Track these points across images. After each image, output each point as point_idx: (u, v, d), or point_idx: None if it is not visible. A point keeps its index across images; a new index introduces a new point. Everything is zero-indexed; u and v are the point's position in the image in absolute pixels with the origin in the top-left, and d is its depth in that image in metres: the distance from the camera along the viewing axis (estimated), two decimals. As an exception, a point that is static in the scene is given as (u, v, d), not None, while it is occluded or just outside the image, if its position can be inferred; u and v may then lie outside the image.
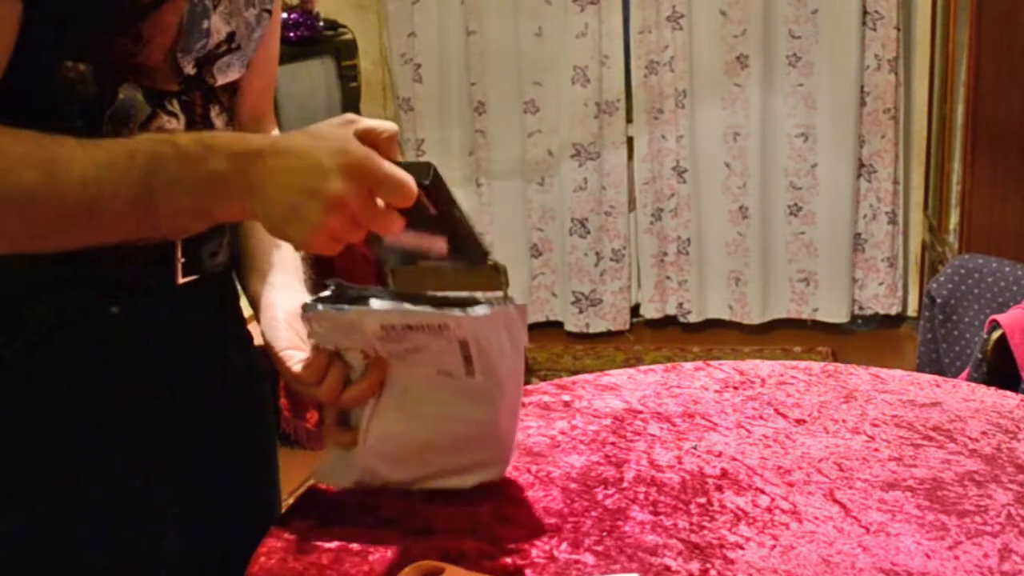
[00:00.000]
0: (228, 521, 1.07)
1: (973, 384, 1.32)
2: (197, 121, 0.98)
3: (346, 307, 0.91)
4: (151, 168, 0.82)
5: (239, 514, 1.09)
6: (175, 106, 0.95)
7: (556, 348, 4.15)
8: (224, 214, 0.88)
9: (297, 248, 0.90)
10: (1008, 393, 1.24)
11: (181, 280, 0.98)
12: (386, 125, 0.87)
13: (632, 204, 4.23)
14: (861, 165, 4.01)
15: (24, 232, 0.83)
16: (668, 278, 4.22)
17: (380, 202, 0.83)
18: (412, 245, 0.91)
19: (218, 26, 0.96)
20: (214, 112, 1.01)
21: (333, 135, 0.84)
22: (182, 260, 0.98)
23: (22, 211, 0.81)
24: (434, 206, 0.86)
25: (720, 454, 1.11)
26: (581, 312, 4.25)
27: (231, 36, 0.98)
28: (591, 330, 4.23)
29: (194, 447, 1.03)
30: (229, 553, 1.01)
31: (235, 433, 1.09)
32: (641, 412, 1.22)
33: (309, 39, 3.54)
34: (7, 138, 0.81)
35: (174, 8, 0.90)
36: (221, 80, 1.00)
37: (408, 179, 0.82)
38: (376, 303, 0.91)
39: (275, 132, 1.17)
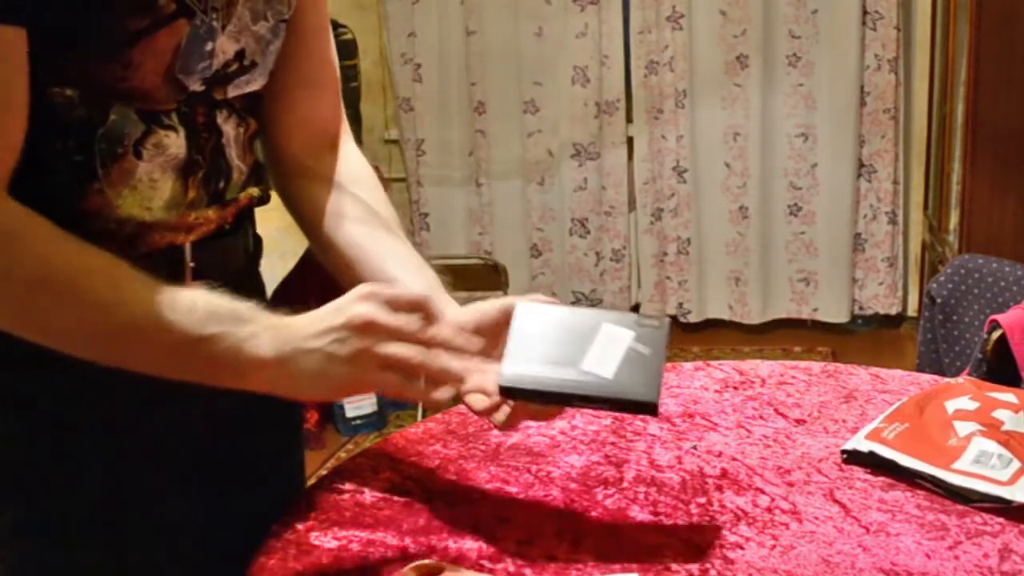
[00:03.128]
0: (251, 494, 1.07)
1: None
2: (200, 130, 0.96)
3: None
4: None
5: (264, 488, 1.09)
6: (173, 119, 0.93)
7: (556, 348, 4.15)
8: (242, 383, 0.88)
9: (342, 394, 0.90)
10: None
11: (190, 284, 0.97)
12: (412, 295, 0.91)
13: (632, 204, 4.23)
14: (861, 165, 4.01)
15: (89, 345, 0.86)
16: (668, 278, 4.22)
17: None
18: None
19: (225, 46, 0.94)
20: (220, 118, 0.99)
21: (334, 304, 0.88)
22: (191, 264, 0.98)
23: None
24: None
25: (720, 454, 1.10)
26: (581, 312, 4.25)
27: (240, 54, 0.96)
28: (591, 330, 4.22)
29: (210, 445, 1.03)
30: (253, 526, 1.01)
31: (256, 426, 1.07)
32: (641, 412, 1.22)
33: (309, 39, 3.53)
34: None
35: (171, 32, 0.89)
36: (235, 94, 0.99)
37: (421, 293, 0.89)
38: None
39: (350, 147, 1.15)
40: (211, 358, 0.85)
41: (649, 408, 0.90)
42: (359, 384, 0.88)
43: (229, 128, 1.00)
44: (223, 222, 1.02)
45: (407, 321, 0.87)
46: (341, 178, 1.10)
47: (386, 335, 0.85)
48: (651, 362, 0.90)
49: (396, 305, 0.87)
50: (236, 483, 1.07)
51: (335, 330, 0.85)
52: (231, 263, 1.04)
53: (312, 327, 0.86)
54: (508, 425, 0.95)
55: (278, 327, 0.87)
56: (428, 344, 0.87)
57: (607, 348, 0.91)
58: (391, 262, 1.05)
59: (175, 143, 0.94)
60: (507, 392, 0.91)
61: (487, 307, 0.99)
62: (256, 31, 0.97)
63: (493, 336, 0.97)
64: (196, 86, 0.93)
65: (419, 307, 0.88)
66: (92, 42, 0.86)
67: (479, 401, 0.93)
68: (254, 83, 1.00)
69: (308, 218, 1.10)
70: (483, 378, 0.94)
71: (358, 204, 1.09)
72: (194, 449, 1.02)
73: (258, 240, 1.12)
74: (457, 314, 1.00)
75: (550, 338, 0.93)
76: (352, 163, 1.13)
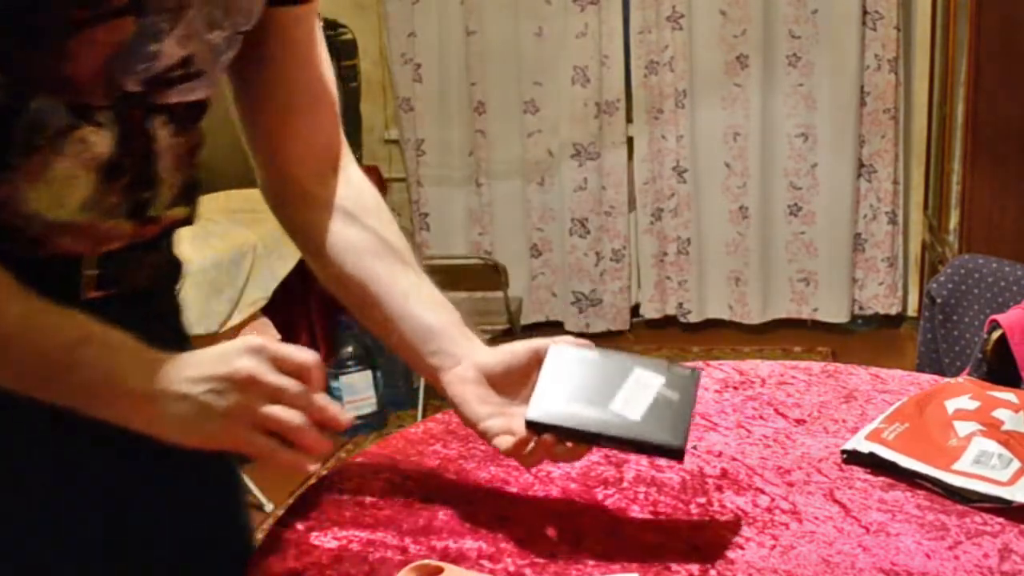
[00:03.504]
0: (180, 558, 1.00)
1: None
2: (132, 133, 0.90)
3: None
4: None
5: (195, 551, 1.02)
6: (105, 117, 0.87)
7: (556, 348, 4.15)
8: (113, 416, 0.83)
9: (209, 446, 0.84)
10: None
11: (91, 295, 0.91)
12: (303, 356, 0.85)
13: (632, 204, 4.23)
14: (861, 165, 4.01)
15: None
16: (668, 278, 4.22)
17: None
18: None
19: (170, 49, 0.88)
20: (157, 123, 0.92)
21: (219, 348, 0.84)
22: (95, 272, 0.92)
23: None
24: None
25: (720, 454, 1.10)
26: (581, 312, 4.25)
27: (186, 60, 0.90)
28: (591, 330, 4.23)
29: (119, 476, 0.95)
30: None
31: (174, 461, 0.92)
32: (641, 412, 1.22)
33: (309, 39, 3.53)
34: None
35: (113, 28, 0.84)
36: (177, 99, 0.93)
37: (309, 355, 0.84)
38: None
39: (352, 168, 1.10)
40: (81, 385, 0.81)
41: (675, 453, 0.90)
42: (228, 441, 0.83)
43: (164, 135, 0.93)
44: (139, 238, 0.95)
45: (292, 384, 0.82)
46: (350, 205, 1.06)
47: (267, 395, 0.81)
48: (680, 408, 0.92)
49: (284, 365, 0.83)
50: (157, 556, 0.99)
51: (215, 380, 0.81)
52: (138, 281, 0.97)
53: (191, 371, 0.82)
54: (531, 461, 0.94)
55: (154, 363, 0.82)
56: (308, 412, 0.83)
57: (637, 392, 0.92)
58: (413, 300, 1.02)
59: (102, 141, 0.87)
60: (533, 427, 0.92)
61: (517, 349, 0.98)
62: (209, 39, 0.91)
63: (522, 377, 0.97)
64: (134, 86, 0.88)
65: (306, 372, 0.84)
66: (30, 28, 0.81)
67: (504, 441, 0.93)
68: (198, 91, 0.94)
69: (317, 250, 1.06)
70: (510, 420, 0.94)
71: (372, 236, 1.05)
72: (102, 514, 0.94)
73: (176, 264, 1.05)
74: (486, 356, 0.99)
75: (580, 379, 0.94)
76: (359, 188, 1.09)
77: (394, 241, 1.06)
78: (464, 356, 1.00)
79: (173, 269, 1.05)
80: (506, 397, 0.98)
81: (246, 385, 0.81)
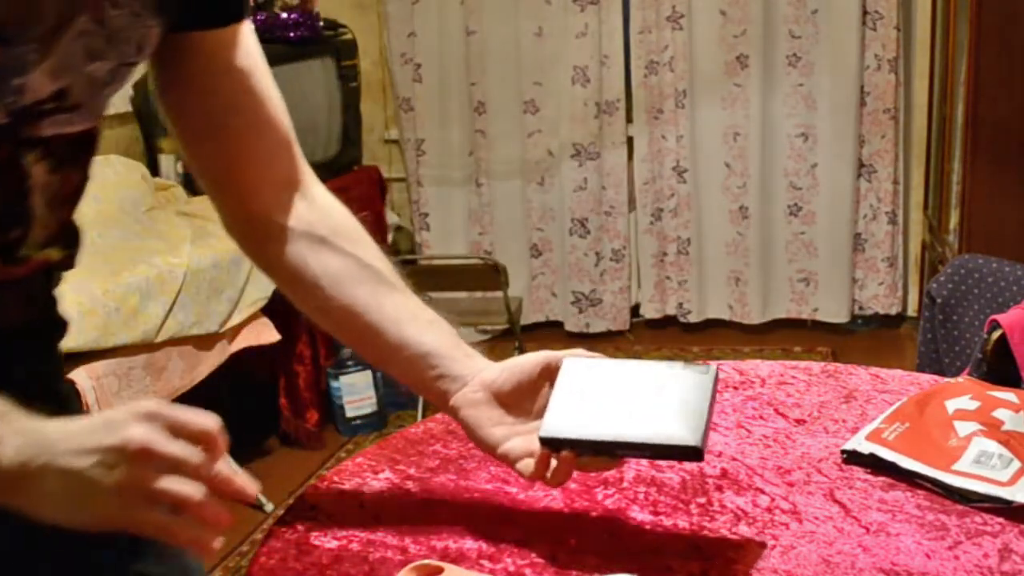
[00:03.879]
0: None
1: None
2: (4, 166, 0.83)
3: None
4: None
5: None
6: None
7: (556, 348, 4.13)
8: None
9: (98, 527, 0.74)
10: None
11: None
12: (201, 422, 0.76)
13: (632, 204, 4.23)
14: (861, 165, 4.01)
15: None
16: (668, 278, 4.22)
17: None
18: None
19: (39, 82, 0.80)
20: (30, 157, 0.84)
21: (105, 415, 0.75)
22: None
23: None
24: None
25: (720, 454, 1.10)
26: (581, 312, 4.25)
27: (61, 94, 0.82)
28: (591, 330, 4.23)
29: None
30: None
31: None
32: (641, 412, 1.21)
33: (309, 39, 3.54)
34: None
35: None
36: (52, 132, 0.85)
37: (209, 420, 0.75)
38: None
39: (316, 189, 1.04)
40: None
41: (694, 453, 0.88)
42: (119, 519, 0.73)
43: (40, 171, 0.85)
44: (5, 277, 0.88)
45: (191, 453, 0.73)
46: (321, 230, 1.00)
47: (163, 467, 0.72)
48: (696, 407, 0.89)
49: (181, 432, 0.74)
50: None
51: (103, 451, 0.71)
52: (15, 315, 0.89)
53: (75, 441, 0.72)
54: (557, 481, 0.91)
55: (31, 432, 0.73)
56: (210, 484, 0.74)
57: (651, 396, 0.90)
58: (405, 324, 0.98)
59: None
60: (548, 444, 0.90)
61: (525, 364, 0.95)
62: (89, 72, 0.83)
63: (531, 393, 0.95)
64: (1, 118, 0.80)
65: (206, 438, 0.75)
66: None
67: (527, 466, 0.91)
68: (76, 124, 0.86)
69: (295, 283, 1.00)
70: (528, 441, 0.92)
71: (350, 260, 1.00)
72: None
73: (59, 322, 0.97)
74: (493, 374, 0.96)
75: (594, 390, 0.92)
76: (326, 210, 1.03)
77: (373, 262, 1.01)
78: (469, 376, 0.97)
79: (51, 323, 0.97)
80: (518, 414, 0.95)
81: (139, 457, 0.71)
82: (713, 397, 0.90)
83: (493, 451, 0.94)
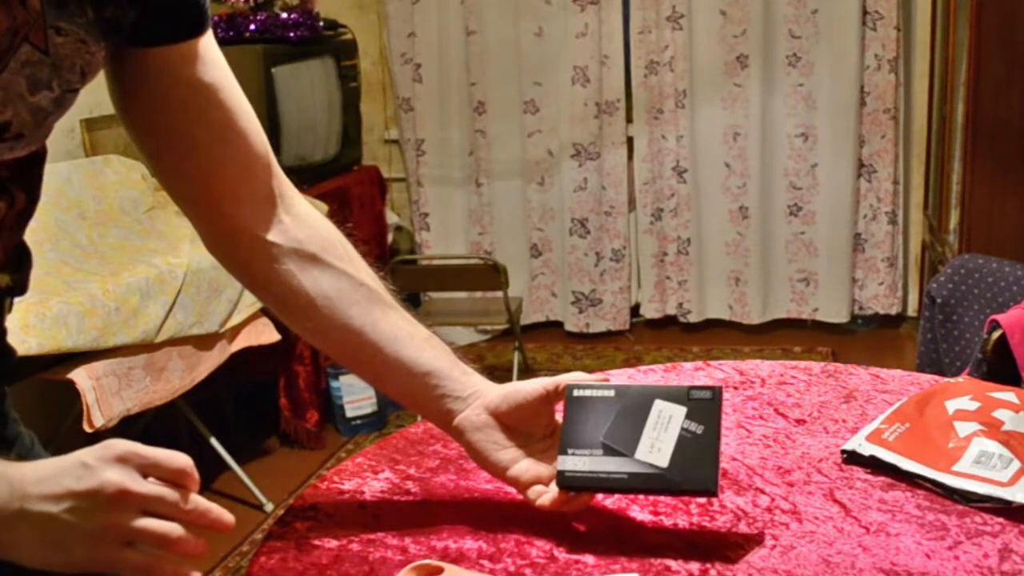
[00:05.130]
0: None
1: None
2: None
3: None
4: None
5: None
6: None
7: (556, 348, 4.16)
8: None
9: (75, 569, 0.74)
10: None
11: None
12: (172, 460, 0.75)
13: (632, 204, 4.23)
14: (861, 165, 4.01)
15: None
16: (668, 278, 4.23)
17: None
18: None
19: None
20: None
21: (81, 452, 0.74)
22: None
23: None
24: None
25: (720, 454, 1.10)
26: (581, 312, 4.25)
27: (3, 126, 0.80)
28: (591, 330, 4.23)
29: None
30: None
31: None
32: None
33: (309, 39, 3.54)
34: None
35: None
36: None
37: (181, 458, 0.75)
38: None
39: (299, 202, 1.01)
40: None
41: (708, 494, 0.91)
42: (96, 563, 0.73)
43: None
44: None
45: (167, 492, 0.73)
46: (310, 246, 0.98)
47: (140, 508, 0.72)
48: (706, 441, 0.91)
49: (155, 472, 0.74)
50: None
51: (78, 496, 0.71)
52: None
53: (46, 486, 0.72)
54: (575, 508, 0.94)
55: (1, 476, 0.73)
56: (188, 518, 0.74)
57: (661, 431, 0.92)
58: (403, 344, 0.97)
59: None
60: (566, 486, 0.93)
61: (527, 391, 0.96)
62: (33, 102, 0.80)
63: (532, 415, 0.96)
64: None
65: (180, 477, 0.74)
66: None
67: (545, 499, 0.93)
68: (19, 151, 0.83)
69: (287, 303, 0.99)
70: (536, 466, 0.94)
71: (342, 278, 0.98)
72: None
73: (6, 352, 0.94)
74: (494, 397, 0.97)
75: (603, 423, 0.93)
76: (312, 223, 1.00)
77: (365, 280, 0.99)
78: (470, 396, 0.97)
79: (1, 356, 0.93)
80: (521, 437, 0.97)
81: (116, 500, 0.72)
82: (719, 425, 0.92)
83: (501, 475, 0.96)
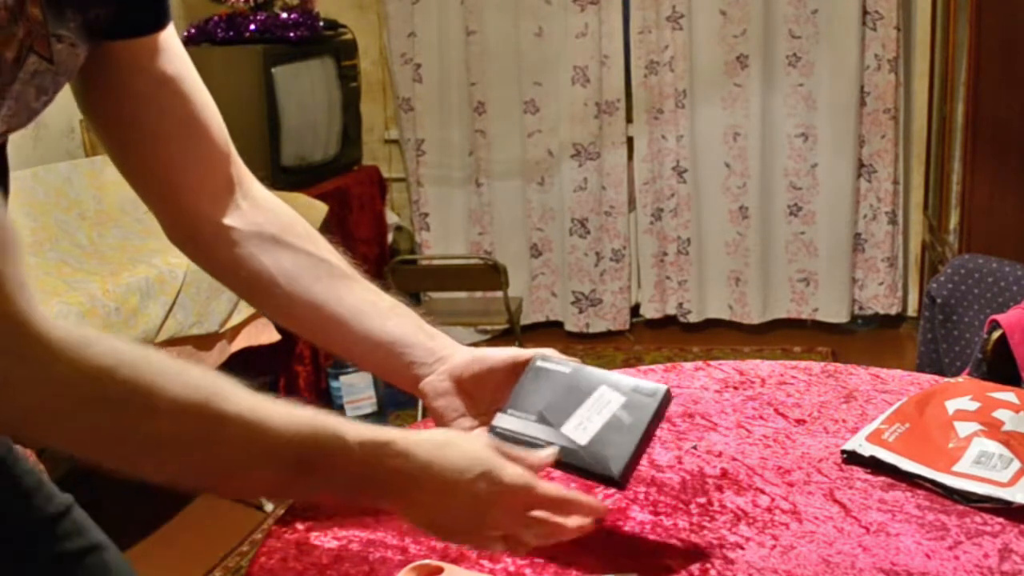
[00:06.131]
0: None
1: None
2: None
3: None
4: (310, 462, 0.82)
5: None
6: None
7: (556, 348, 4.14)
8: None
9: (479, 542, 0.88)
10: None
11: None
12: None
13: (632, 204, 4.23)
14: (861, 165, 4.01)
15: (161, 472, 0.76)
16: (668, 278, 4.22)
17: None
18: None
19: None
20: None
21: (476, 456, 0.83)
22: None
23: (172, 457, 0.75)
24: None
25: (720, 454, 1.10)
26: (581, 312, 4.25)
27: (6, 131, 0.82)
28: (591, 330, 4.23)
29: None
30: None
31: None
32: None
33: (309, 39, 3.54)
34: (177, 385, 0.74)
35: None
36: None
37: (575, 497, 0.87)
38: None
39: (257, 188, 1.03)
40: (376, 478, 0.81)
41: (614, 482, 0.90)
42: (498, 536, 0.85)
43: None
44: None
45: (557, 493, 0.86)
46: (270, 228, 1.00)
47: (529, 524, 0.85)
48: (629, 433, 0.91)
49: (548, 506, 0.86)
50: None
51: (477, 539, 0.86)
52: None
53: (474, 467, 0.82)
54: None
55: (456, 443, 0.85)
56: (565, 510, 0.87)
57: (593, 412, 0.94)
58: (368, 315, 1.00)
59: None
60: (495, 434, 0.95)
61: (493, 359, 0.99)
62: (35, 107, 0.82)
63: (497, 385, 0.99)
64: None
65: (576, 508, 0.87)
66: None
67: (463, 424, 0.99)
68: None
69: (251, 286, 1.00)
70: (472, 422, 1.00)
71: (303, 256, 1.00)
72: None
73: None
74: (460, 364, 1.00)
75: (547, 395, 0.96)
76: (271, 208, 1.02)
77: (326, 256, 1.02)
78: (436, 362, 1.00)
79: None
80: (480, 402, 1.00)
81: (497, 539, 0.85)
82: (653, 422, 0.92)
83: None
